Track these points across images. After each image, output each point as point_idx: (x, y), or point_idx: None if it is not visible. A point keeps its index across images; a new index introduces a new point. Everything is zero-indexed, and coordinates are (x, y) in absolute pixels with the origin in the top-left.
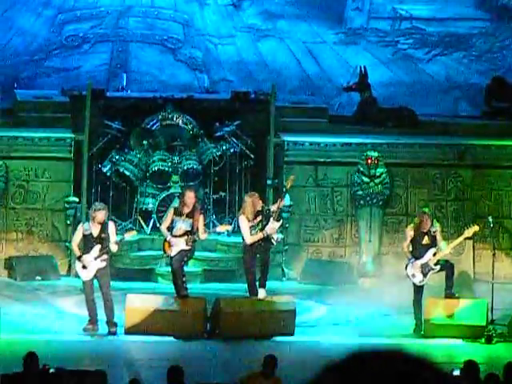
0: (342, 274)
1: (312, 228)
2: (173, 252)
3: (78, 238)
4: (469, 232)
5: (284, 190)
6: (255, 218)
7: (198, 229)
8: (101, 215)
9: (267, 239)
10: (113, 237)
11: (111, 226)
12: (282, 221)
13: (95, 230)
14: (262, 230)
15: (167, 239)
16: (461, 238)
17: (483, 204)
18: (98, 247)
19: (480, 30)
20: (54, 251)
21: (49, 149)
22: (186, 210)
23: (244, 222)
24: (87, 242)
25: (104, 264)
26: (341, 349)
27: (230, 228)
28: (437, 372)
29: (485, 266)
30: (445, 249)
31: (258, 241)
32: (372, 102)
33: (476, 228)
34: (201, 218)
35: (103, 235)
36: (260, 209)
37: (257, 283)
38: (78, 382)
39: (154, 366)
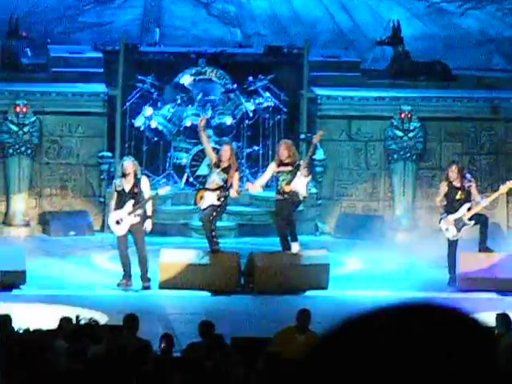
0: (376, 228)
1: (345, 182)
2: (203, 205)
3: (113, 194)
4: (504, 188)
5: (311, 144)
6: (282, 164)
7: (231, 185)
8: (127, 166)
9: (294, 193)
10: (147, 192)
11: (144, 181)
12: (309, 177)
13: (127, 186)
14: (288, 183)
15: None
16: (496, 194)
17: None
18: (131, 202)
19: None
20: (88, 206)
21: (82, 104)
22: (223, 165)
23: (269, 168)
24: (120, 198)
25: (138, 219)
26: (374, 303)
27: (261, 190)
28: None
29: None
30: (482, 202)
31: (285, 194)
32: (405, 56)
33: (511, 184)
34: (236, 175)
35: (136, 190)
36: (288, 156)
37: (289, 238)
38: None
39: (188, 320)
